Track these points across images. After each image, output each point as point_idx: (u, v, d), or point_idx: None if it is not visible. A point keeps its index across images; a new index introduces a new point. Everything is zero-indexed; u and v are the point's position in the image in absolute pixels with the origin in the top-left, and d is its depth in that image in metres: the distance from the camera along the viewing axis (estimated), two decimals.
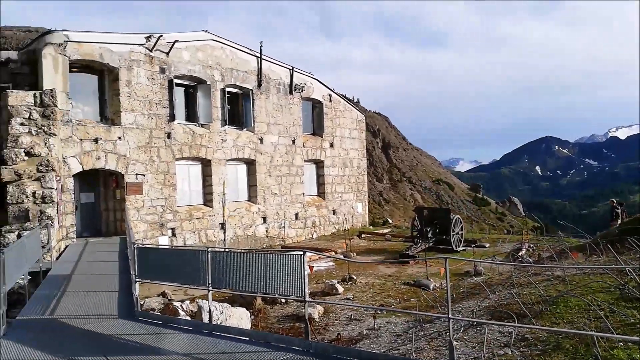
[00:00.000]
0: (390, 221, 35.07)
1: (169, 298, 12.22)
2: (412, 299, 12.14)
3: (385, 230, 26.95)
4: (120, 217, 16.87)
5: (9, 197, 13.23)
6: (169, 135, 18.24)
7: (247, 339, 6.53)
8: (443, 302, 10.85)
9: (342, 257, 15.69)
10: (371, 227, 29.21)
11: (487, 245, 20.95)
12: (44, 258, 11.52)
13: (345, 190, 27.48)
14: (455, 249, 19.17)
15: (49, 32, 15.87)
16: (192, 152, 19.17)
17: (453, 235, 19.30)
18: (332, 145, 26.64)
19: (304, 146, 24.69)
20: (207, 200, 19.95)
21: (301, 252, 5.98)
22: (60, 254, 13.45)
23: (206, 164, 19.93)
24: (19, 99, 14.20)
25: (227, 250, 6.57)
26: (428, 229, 19.38)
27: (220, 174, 20.04)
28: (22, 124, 14.05)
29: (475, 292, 10.59)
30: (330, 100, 26.80)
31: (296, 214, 23.87)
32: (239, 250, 7.11)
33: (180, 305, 10.35)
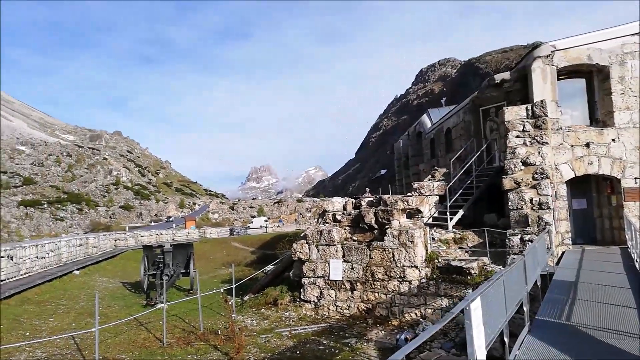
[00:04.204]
0: None
1: None
2: None
3: None
4: (618, 225, 15.49)
5: (510, 203, 14.64)
6: None
7: None
8: None
9: None
10: None
11: None
12: (548, 262, 11.96)
13: None
14: None
15: (537, 46, 16.65)
16: None
17: None
18: None
19: None
20: None
21: None
22: (558, 260, 13.65)
23: None
24: (513, 113, 15.54)
25: None
26: None
27: None
28: (517, 136, 15.28)
29: None
30: None
31: None
32: None
33: None
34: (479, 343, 4.76)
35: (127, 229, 68.39)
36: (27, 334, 12.90)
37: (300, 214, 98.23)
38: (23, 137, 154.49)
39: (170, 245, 21.18)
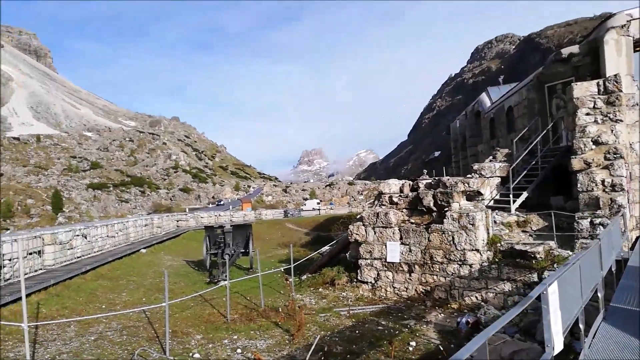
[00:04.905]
0: None
1: None
2: None
3: None
4: None
5: (579, 185, 13.90)
6: None
7: None
8: None
9: None
10: None
11: None
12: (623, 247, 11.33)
13: None
14: None
15: (610, 16, 15.53)
16: None
17: None
18: None
19: None
20: None
21: None
22: (632, 245, 12.88)
23: None
24: (583, 89, 14.63)
25: None
26: None
27: None
28: (587, 114, 14.41)
29: None
30: None
31: None
32: None
33: None
34: (557, 329, 4.60)
35: (187, 211, 71.26)
36: (104, 306, 13.84)
37: (352, 196, 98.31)
38: (89, 124, 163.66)
39: (230, 225, 21.88)
